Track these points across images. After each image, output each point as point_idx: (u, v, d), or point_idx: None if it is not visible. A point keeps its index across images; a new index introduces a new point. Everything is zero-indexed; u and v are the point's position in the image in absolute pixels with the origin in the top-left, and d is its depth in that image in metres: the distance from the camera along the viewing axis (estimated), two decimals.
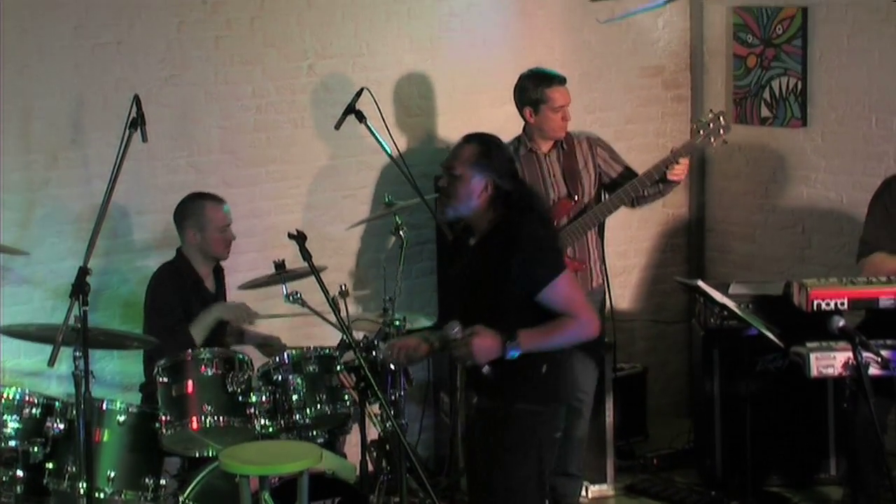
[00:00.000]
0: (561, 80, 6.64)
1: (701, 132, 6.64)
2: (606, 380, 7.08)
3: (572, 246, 6.62)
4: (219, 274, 6.50)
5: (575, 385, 6.68)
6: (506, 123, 7.42)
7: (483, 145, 5.26)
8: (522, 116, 6.64)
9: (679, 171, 6.63)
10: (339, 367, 6.03)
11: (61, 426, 5.67)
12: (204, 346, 6.03)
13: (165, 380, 5.77)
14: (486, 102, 7.51)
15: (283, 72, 7.05)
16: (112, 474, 5.68)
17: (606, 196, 6.80)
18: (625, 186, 6.64)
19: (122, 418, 5.73)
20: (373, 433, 6.19)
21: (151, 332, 6.07)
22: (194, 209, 6.34)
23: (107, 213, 5.76)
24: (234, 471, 5.41)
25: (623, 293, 8.05)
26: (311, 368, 5.96)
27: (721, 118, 6.64)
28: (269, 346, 6.58)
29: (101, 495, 5.66)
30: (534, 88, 6.61)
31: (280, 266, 6.21)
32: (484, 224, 5.24)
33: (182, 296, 6.26)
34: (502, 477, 5.20)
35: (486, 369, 5.13)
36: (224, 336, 6.42)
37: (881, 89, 7.43)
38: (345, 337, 5.71)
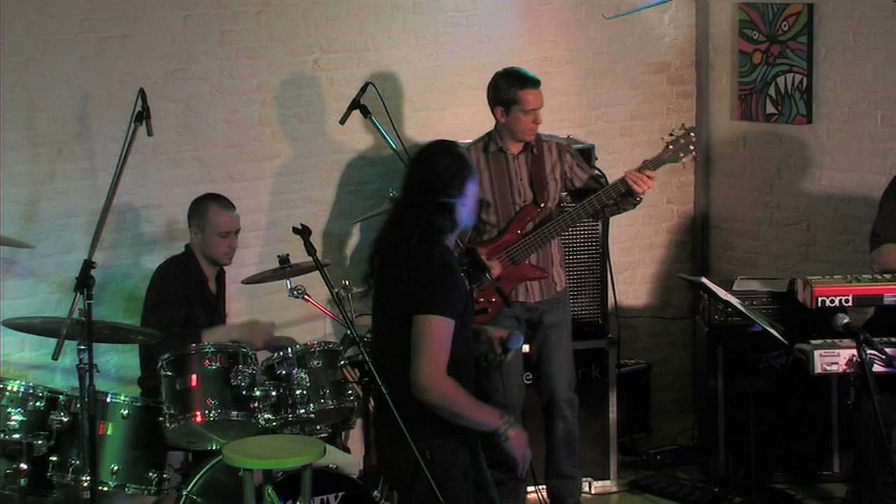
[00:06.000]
0: (535, 83, 6.45)
1: (670, 147, 6.44)
2: (610, 376, 7.08)
3: (536, 253, 6.50)
4: (221, 279, 6.49)
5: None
6: None
7: None
8: (494, 115, 6.50)
9: (645, 184, 6.35)
10: (342, 362, 6.04)
11: (65, 419, 5.67)
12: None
13: (169, 373, 5.77)
14: None
15: (289, 66, 7.05)
16: (116, 468, 5.69)
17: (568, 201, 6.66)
18: (590, 198, 6.42)
19: (125, 412, 5.74)
20: None
21: (150, 322, 6.08)
22: (199, 209, 6.33)
23: (112, 207, 5.77)
24: (238, 465, 5.41)
25: (627, 289, 8.05)
26: (314, 363, 5.96)
27: (691, 134, 6.45)
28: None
29: (105, 489, 5.67)
30: (507, 88, 6.43)
31: (284, 260, 6.21)
32: None
33: (185, 290, 6.25)
34: None
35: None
36: None
37: (887, 86, 7.42)
38: (349, 332, 5.71)
